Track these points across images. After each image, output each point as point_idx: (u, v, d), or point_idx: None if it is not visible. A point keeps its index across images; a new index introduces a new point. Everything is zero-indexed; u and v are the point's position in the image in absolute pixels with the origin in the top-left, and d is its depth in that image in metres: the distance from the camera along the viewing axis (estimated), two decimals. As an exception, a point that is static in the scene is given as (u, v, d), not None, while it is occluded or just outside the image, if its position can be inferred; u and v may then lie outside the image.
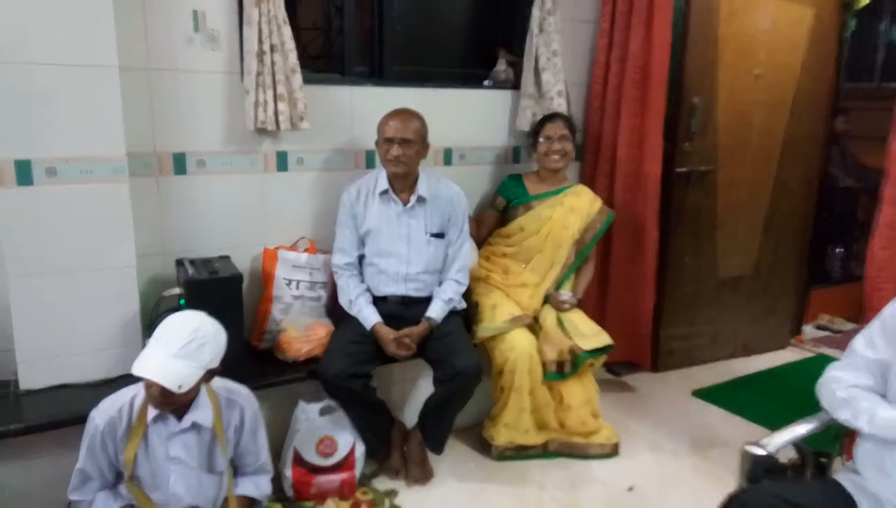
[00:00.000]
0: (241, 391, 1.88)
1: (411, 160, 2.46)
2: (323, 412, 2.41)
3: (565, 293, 2.78)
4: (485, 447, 2.71)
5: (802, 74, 3.52)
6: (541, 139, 2.82)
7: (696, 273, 3.51)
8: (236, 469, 1.89)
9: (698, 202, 3.40)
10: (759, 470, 1.64)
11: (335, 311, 2.60)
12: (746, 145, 3.45)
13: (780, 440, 1.67)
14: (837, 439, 1.77)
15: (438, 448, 2.57)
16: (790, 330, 3.99)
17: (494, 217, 2.93)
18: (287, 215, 2.64)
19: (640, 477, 2.55)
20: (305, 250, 2.61)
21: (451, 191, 2.60)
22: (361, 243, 2.56)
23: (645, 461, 2.68)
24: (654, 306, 3.24)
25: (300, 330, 2.47)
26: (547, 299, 2.79)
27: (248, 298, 2.44)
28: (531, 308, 2.75)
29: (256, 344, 2.54)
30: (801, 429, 1.71)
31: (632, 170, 3.09)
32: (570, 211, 2.82)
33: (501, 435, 2.66)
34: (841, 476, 1.64)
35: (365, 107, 2.66)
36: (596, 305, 3.21)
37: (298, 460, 2.37)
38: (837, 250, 4.70)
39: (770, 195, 3.62)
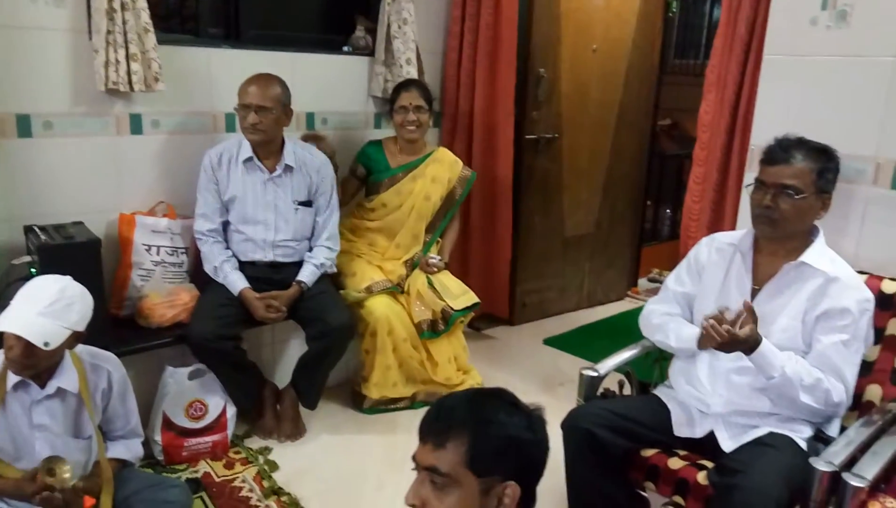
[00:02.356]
0: (107, 356, 1.86)
1: (270, 128, 2.46)
2: (192, 375, 2.43)
3: (433, 257, 2.92)
4: (357, 402, 2.84)
5: (633, 50, 3.90)
6: (396, 109, 2.84)
7: (545, 232, 3.82)
8: (106, 434, 1.88)
9: (546, 167, 3.70)
10: (593, 390, 1.90)
11: (199, 276, 2.60)
12: (586, 114, 3.79)
13: (610, 363, 1.95)
14: (656, 362, 2.08)
15: (312, 404, 2.67)
16: (627, 283, 4.44)
17: (355, 185, 2.98)
18: (144, 179, 2.58)
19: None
20: (165, 216, 2.57)
21: (318, 160, 2.65)
22: (225, 209, 2.56)
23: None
24: (510, 263, 3.52)
25: (163, 296, 2.45)
26: (417, 264, 2.92)
27: (104, 265, 2.37)
28: (396, 274, 2.85)
29: (116, 312, 2.48)
30: (626, 353, 2.00)
31: (487, 135, 3.31)
32: (432, 181, 2.91)
33: (371, 392, 2.79)
34: (658, 390, 1.95)
35: (223, 69, 2.65)
36: (459, 264, 3.42)
37: (168, 424, 2.38)
38: (666, 211, 5.27)
39: (608, 160, 4.00)
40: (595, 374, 1.91)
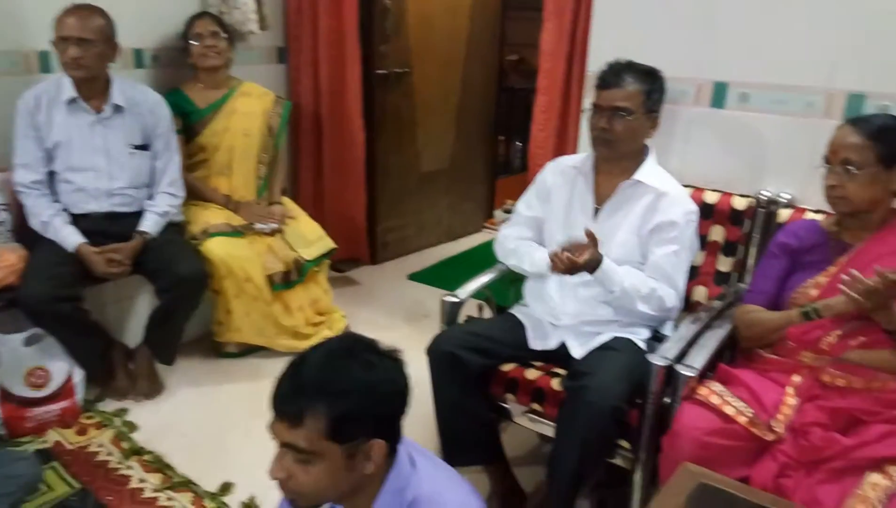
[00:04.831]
0: None
1: (93, 63, 2.25)
2: (28, 341, 2.23)
3: (261, 225, 2.75)
4: (217, 352, 2.74)
5: (477, -18, 3.91)
6: (192, 40, 2.70)
7: (401, 169, 3.83)
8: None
9: (398, 102, 3.67)
10: (454, 315, 1.97)
11: (26, 234, 2.35)
12: (435, 48, 3.78)
13: (469, 288, 2.02)
14: (512, 284, 2.18)
15: (169, 359, 2.55)
16: (484, 215, 4.58)
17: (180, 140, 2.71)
18: (-55, 129, 2.27)
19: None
20: (-24, 169, 2.29)
21: (152, 99, 2.46)
22: (49, 157, 2.32)
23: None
24: (367, 203, 3.49)
25: (-16, 259, 2.20)
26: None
27: None
28: (236, 219, 2.73)
29: (-72, 280, 2.20)
30: (484, 278, 2.09)
31: (334, 71, 3.21)
32: (245, 116, 2.80)
33: (224, 337, 2.70)
34: (514, 309, 2.05)
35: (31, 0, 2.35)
36: (315, 207, 3.34)
37: (6, 395, 2.18)
38: (517, 144, 5.44)
39: (458, 95, 4.04)
40: (455, 300, 1.97)
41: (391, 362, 1.14)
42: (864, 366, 1.52)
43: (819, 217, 1.78)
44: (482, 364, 1.84)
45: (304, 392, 1.06)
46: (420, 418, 1.88)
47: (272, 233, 2.77)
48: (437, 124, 3.97)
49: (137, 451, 2.16)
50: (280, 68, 3.24)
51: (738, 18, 2.02)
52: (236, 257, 2.60)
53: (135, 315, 2.61)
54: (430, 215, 4.11)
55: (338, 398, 1.05)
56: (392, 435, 1.14)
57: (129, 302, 2.64)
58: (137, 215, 2.43)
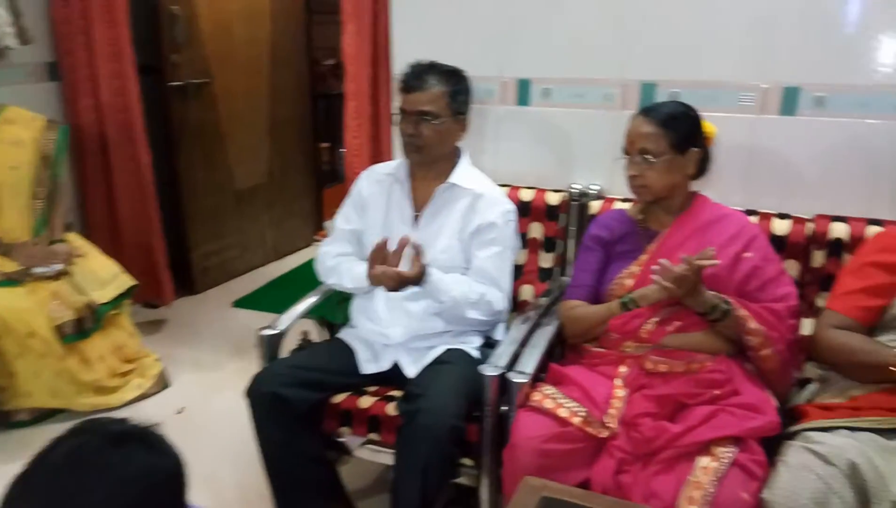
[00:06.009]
0: None
1: None
2: None
3: (44, 269, 2.38)
4: (5, 422, 2.33)
5: (275, -16, 3.70)
6: None
7: (213, 187, 3.53)
8: None
9: (200, 115, 3.38)
10: (274, 349, 1.79)
11: None
12: (235, 56, 3.52)
13: (289, 318, 1.84)
14: (339, 304, 2.04)
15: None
16: (312, 229, 4.38)
17: None
18: None
19: (188, 398, 2.55)
20: None
21: None
22: None
23: (191, 380, 2.68)
24: (175, 227, 3.17)
25: None
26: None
27: None
28: (7, 265, 2.36)
29: None
30: (304, 304, 1.92)
31: (116, 87, 2.85)
32: (12, 147, 2.45)
33: (19, 404, 2.31)
34: (342, 332, 1.91)
35: None
36: (111, 241, 2.96)
37: None
38: (341, 151, 5.28)
39: (268, 104, 3.80)
40: (274, 332, 1.79)
41: (142, 447, 0.91)
42: (683, 350, 1.56)
43: (627, 206, 1.82)
44: (311, 400, 1.68)
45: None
46: (249, 465, 1.70)
47: (56, 276, 2.39)
48: (249, 137, 3.71)
49: None
50: (52, 87, 2.84)
51: (534, 15, 2.02)
52: (13, 309, 2.22)
53: None
54: (253, 235, 3.85)
55: None
56: None
57: None
58: None
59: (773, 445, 1.41)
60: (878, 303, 1.48)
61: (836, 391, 1.49)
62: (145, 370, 2.57)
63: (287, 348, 1.86)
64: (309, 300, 1.96)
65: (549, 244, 2.03)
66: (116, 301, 2.48)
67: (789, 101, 1.81)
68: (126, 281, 2.52)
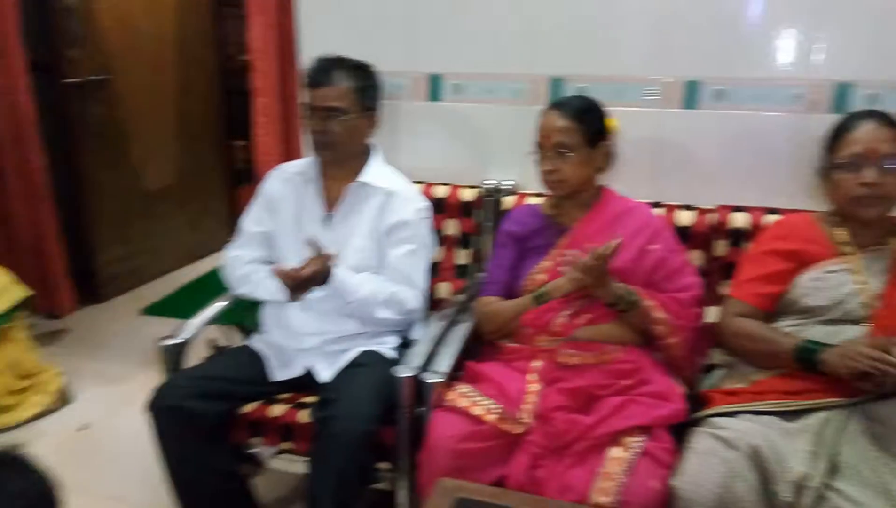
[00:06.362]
0: None
1: None
2: None
3: None
4: None
5: (180, -23, 3.54)
6: None
7: (119, 189, 3.36)
8: None
9: (102, 114, 3.20)
10: (177, 359, 1.70)
11: None
12: (139, 51, 3.35)
13: (192, 327, 1.75)
14: (248, 310, 1.96)
15: None
16: (228, 229, 4.21)
17: None
18: None
19: (93, 414, 2.40)
20: None
21: None
22: None
23: (96, 394, 2.53)
24: (77, 232, 2.99)
25: None
26: None
27: None
28: None
29: None
30: (210, 311, 1.84)
31: (7, 85, 2.66)
32: None
33: None
34: (252, 340, 1.84)
35: None
36: (8, 251, 2.76)
37: None
38: (258, 149, 5.13)
39: (177, 102, 3.64)
40: (176, 341, 1.70)
41: (10, 472, 0.86)
42: (594, 341, 1.58)
43: (539, 201, 1.82)
44: (219, 411, 1.61)
45: None
46: (159, 484, 1.61)
47: None
48: (156, 136, 3.55)
49: None
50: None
51: (443, 10, 1.99)
52: None
53: None
54: (165, 238, 3.68)
55: None
56: None
57: None
58: None
59: (681, 432, 1.44)
60: (776, 289, 1.54)
61: (739, 376, 1.53)
62: (45, 386, 2.41)
63: (197, 356, 1.78)
64: (217, 306, 1.87)
65: (464, 241, 2.01)
66: (9, 314, 2.30)
67: (691, 94, 1.86)
68: (19, 292, 2.34)
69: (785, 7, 1.76)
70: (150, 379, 2.53)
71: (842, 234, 1.52)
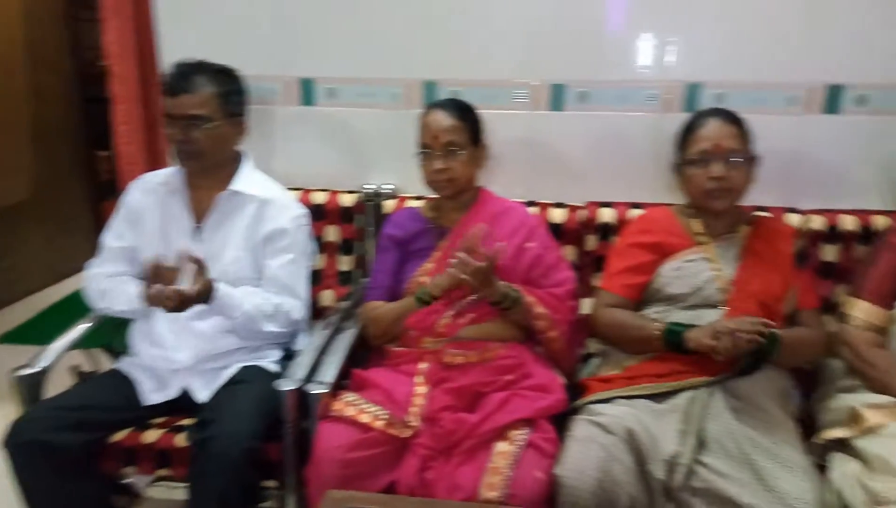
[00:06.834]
0: None
1: None
2: None
3: None
4: None
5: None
6: None
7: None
8: None
9: (-62, 125, 2.90)
10: (36, 390, 1.57)
11: None
12: (-18, 55, 3.07)
13: (51, 353, 1.62)
14: (117, 329, 1.83)
15: None
16: (93, 245, 3.93)
17: None
18: None
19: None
20: None
21: None
22: None
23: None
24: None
25: None
26: None
27: None
28: None
29: None
30: (73, 334, 1.71)
31: None
32: None
33: None
34: (120, 363, 1.72)
35: None
36: None
37: None
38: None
39: (28, 108, 3.36)
40: (34, 370, 1.56)
41: None
42: (478, 340, 1.60)
43: (419, 204, 1.83)
44: (84, 442, 1.49)
45: None
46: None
47: None
48: (5, 146, 3.25)
49: None
50: None
51: (312, 13, 1.96)
52: None
53: None
54: (23, 257, 3.40)
55: None
56: None
57: None
58: None
59: (563, 421, 1.49)
60: (642, 280, 1.63)
61: (613, 363, 1.61)
62: None
63: (61, 385, 1.64)
64: (80, 328, 1.74)
65: (346, 247, 1.99)
66: None
67: (557, 97, 1.93)
68: None
69: (642, 14, 1.87)
70: (6, 414, 2.34)
71: (697, 225, 1.63)
